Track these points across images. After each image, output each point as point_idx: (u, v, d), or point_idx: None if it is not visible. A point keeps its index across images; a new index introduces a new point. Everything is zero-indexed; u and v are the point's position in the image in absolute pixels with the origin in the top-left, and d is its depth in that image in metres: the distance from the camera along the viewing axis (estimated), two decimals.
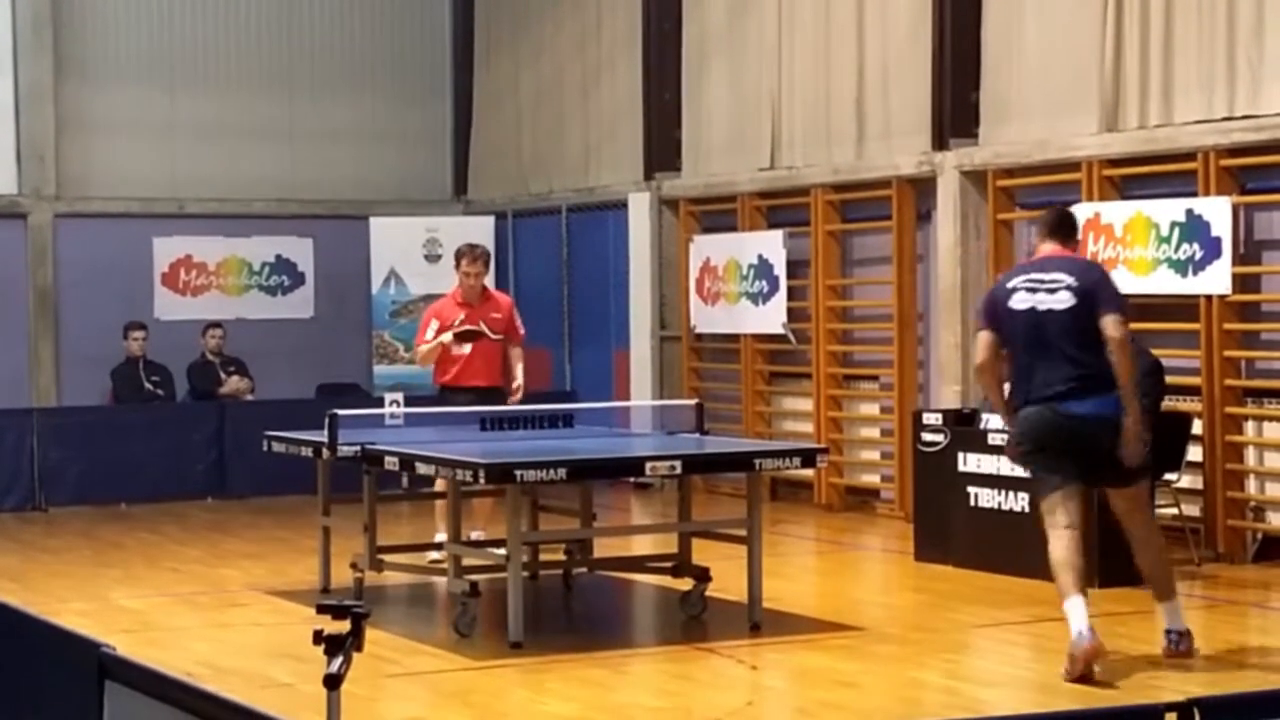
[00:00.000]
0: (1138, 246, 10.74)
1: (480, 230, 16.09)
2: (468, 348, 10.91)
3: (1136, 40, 10.96)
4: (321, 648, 3.97)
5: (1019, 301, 7.88)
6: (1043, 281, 7.88)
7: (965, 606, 9.30)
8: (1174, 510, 10.24)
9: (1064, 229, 8.13)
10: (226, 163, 16.52)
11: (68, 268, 15.96)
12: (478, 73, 17.41)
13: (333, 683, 3.94)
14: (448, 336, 10.85)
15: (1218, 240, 10.33)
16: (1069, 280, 7.83)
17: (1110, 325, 7.75)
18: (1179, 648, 7.81)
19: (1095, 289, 7.82)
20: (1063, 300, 7.80)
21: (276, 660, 8.06)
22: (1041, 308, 7.82)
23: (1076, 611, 7.56)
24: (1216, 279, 10.36)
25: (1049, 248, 8.05)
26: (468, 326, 10.87)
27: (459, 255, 11.08)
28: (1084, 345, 7.76)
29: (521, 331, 11.21)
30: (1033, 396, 7.82)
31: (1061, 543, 7.70)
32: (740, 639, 8.40)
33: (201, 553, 11.70)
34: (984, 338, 8.02)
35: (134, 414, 14.65)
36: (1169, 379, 10.18)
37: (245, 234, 16.58)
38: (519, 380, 10.92)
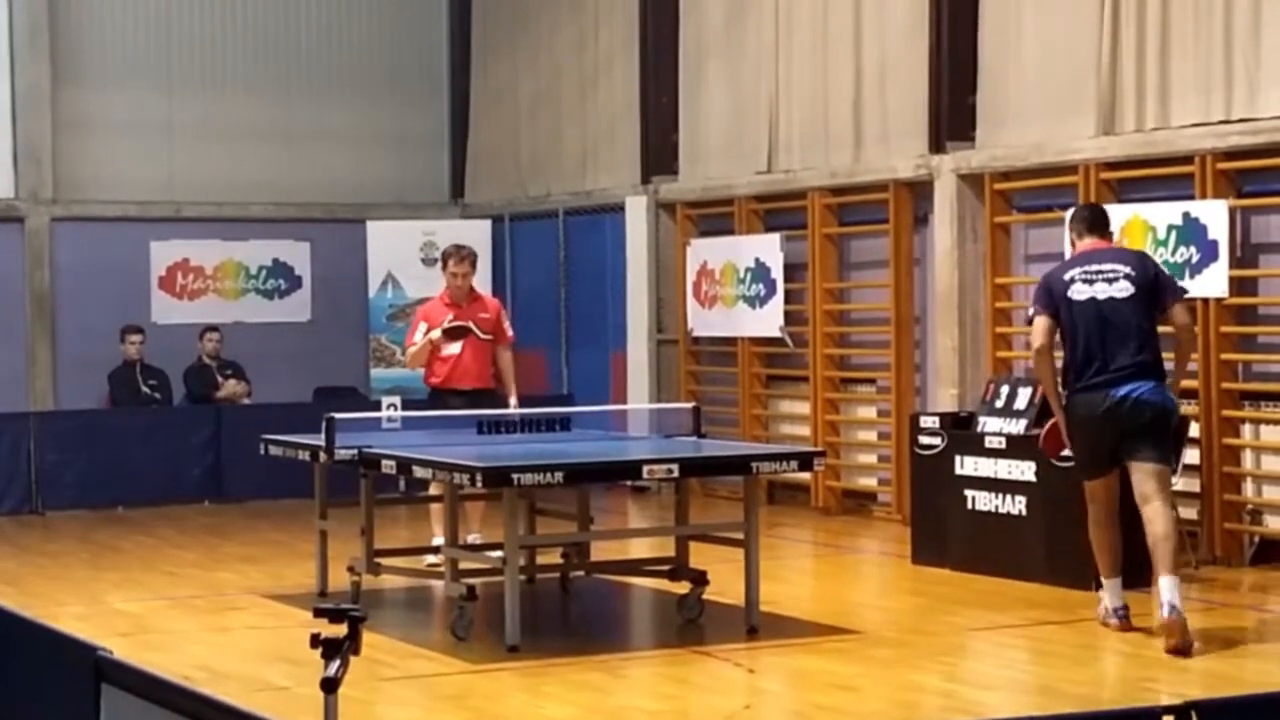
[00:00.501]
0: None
1: (477, 233, 16.09)
2: (457, 346, 10.90)
3: (1133, 43, 10.97)
4: (319, 651, 3.97)
5: (1078, 292, 8.42)
6: (1100, 272, 8.44)
7: (962, 609, 9.30)
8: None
9: (1102, 223, 8.79)
10: (224, 166, 16.52)
11: (65, 271, 15.95)
12: (475, 76, 17.41)
13: (330, 686, 3.94)
14: (436, 333, 10.86)
15: (1214, 243, 10.33)
16: (1126, 270, 8.44)
17: (1181, 313, 8.58)
18: (1171, 617, 7.94)
19: (1157, 280, 8.50)
20: (1123, 289, 8.37)
21: (273, 664, 8.05)
22: (1102, 297, 8.38)
23: (1112, 591, 8.49)
24: (1213, 282, 10.36)
25: (1091, 241, 8.64)
26: (457, 323, 10.87)
27: (445, 256, 11.10)
28: (1142, 332, 8.37)
29: (510, 334, 11.23)
30: (1086, 383, 8.35)
31: (1099, 524, 8.51)
32: (737, 642, 8.40)
33: (198, 556, 11.70)
34: (1043, 323, 8.50)
35: (131, 417, 14.65)
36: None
37: (242, 237, 16.58)
38: (514, 398, 10.93)
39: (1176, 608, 7.97)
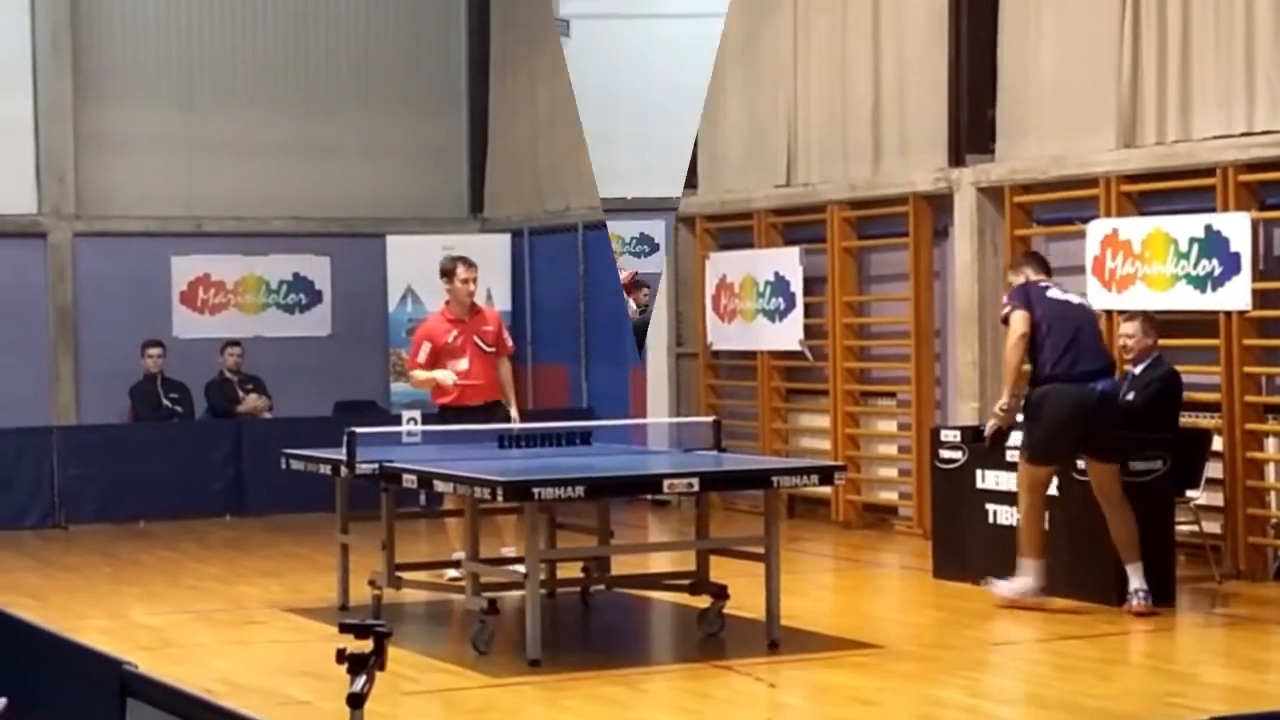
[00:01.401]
0: (1156, 263, 10.72)
1: (497, 248, 16.12)
2: (465, 363, 10.91)
3: (1154, 55, 10.95)
4: (344, 666, 3.98)
5: (1054, 294, 9.45)
6: (1064, 288, 9.61)
7: (984, 624, 9.28)
8: (1194, 527, 10.20)
9: (1048, 266, 9.80)
10: (244, 181, 16.56)
11: (87, 286, 16.00)
12: (494, 89, 17.43)
13: (356, 701, 3.95)
14: (443, 375, 10.83)
15: (1237, 256, 10.30)
16: (1084, 296, 9.87)
17: None
18: (1144, 601, 9.07)
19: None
20: (1088, 302, 9.66)
21: (295, 677, 8.06)
22: (1075, 300, 9.53)
23: (1037, 572, 9.23)
24: (1236, 295, 10.33)
25: (1042, 278, 9.64)
26: (456, 380, 10.82)
27: (449, 269, 11.07)
28: (1102, 338, 9.66)
29: (510, 345, 11.30)
30: (1063, 372, 9.21)
31: (1035, 509, 9.30)
32: (758, 656, 8.39)
33: (220, 570, 11.72)
34: (1024, 315, 9.34)
35: (153, 431, 14.68)
36: (1189, 395, 10.18)
37: (263, 252, 16.62)
38: (515, 412, 10.93)
39: (1145, 591, 9.06)
